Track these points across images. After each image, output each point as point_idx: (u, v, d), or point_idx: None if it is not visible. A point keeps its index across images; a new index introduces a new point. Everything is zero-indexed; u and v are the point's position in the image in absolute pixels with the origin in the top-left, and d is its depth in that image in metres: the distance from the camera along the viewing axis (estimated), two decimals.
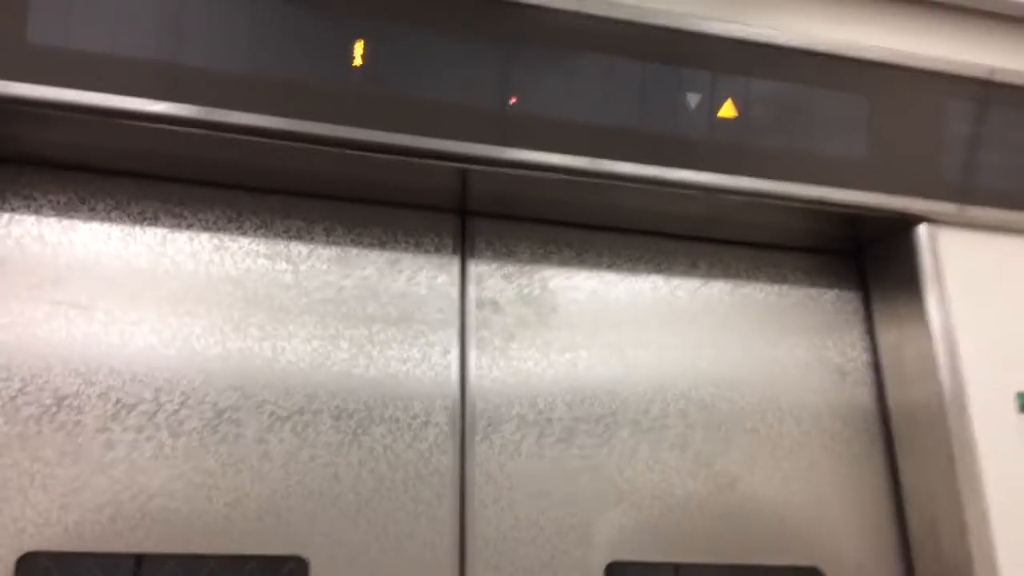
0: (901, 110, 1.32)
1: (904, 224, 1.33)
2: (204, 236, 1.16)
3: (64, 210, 1.11)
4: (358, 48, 1.11)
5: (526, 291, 1.27)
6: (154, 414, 1.06)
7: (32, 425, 1.02)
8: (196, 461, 1.06)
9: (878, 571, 1.26)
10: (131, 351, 1.08)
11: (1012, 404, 1.27)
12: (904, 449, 1.31)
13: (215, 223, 1.17)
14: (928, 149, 1.33)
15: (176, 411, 1.07)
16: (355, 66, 1.11)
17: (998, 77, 1.38)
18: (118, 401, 1.05)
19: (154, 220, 1.15)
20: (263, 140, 1.09)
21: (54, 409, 1.03)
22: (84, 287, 1.09)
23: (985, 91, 1.37)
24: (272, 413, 1.10)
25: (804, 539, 1.25)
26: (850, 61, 1.30)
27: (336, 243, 1.21)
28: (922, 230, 1.31)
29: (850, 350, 1.39)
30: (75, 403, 1.04)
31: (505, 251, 1.28)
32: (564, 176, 1.18)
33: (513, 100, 1.16)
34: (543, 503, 1.17)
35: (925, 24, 1.38)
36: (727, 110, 1.24)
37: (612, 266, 1.32)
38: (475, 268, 1.26)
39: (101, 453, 1.03)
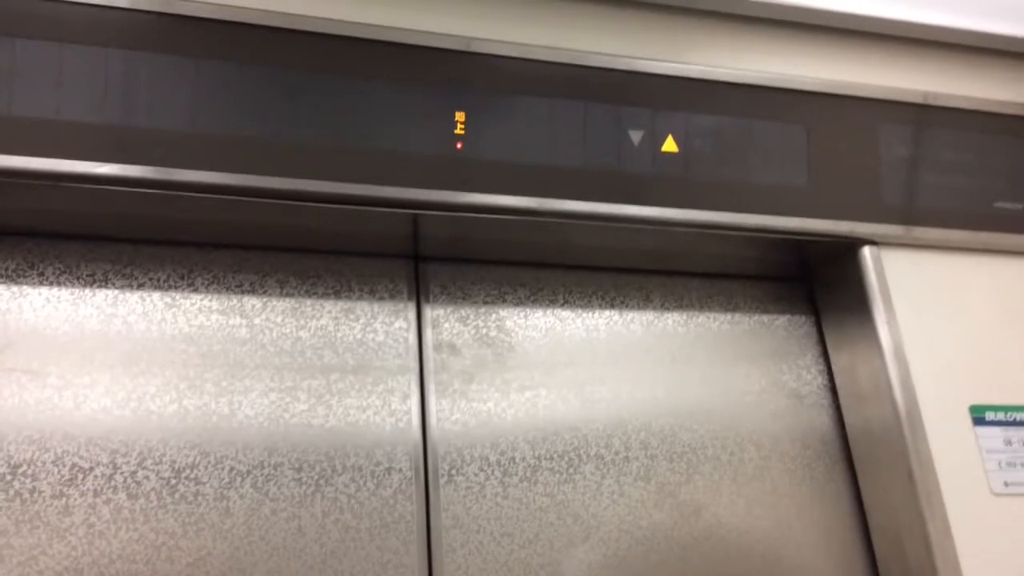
0: (839, 137, 1.35)
1: (849, 247, 1.35)
2: (156, 295, 1.15)
3: (13, 276, 1.11)
4: (302, 99, 1.12)
5: (483, 332, 1.27)
6: (111, 476, 1.05)
7: None
8: (156, 522, 1.05)
9: None
10: (85, 414, 1.07)
11: (966, 417, 1.29)
12: (864, 468, 1.33)
13: (166, 281, 1.17)
14: (868, 173, 1.36)
15: (133, 472, 1.06)
16: (302, 119, 1.12)
17: (932, 101, 1.42)
18: (74, 466, 1.04)
19: (104, 282, 1.14)
20: (211, 196, 1.09)
21: (8, 477, 1.02)
22: (35, 352, 1.08)
23: (920, 115, 1.41)
24: (232, 469, 1.09)
25: (771, 563, 1.26)
26: (786, 92, 1.34)
27: (290, 295, 1.21)
28: (867, 252, 1.34)
29: (805, 374, 1.41)
30: (30, 470, 1.03)
31: (460, 294, 1.29)
32: (514, 217, 1.19)
33: (460, 145, 1.17)
34: (510, 544, 1.17)
35: (858, 53, 1.42)
36: (669, 145, 1.26)
37: (567, 303, 1.34)
38: (431, 312, 1.27)
39: (58, 519, 1.02)
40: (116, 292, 1.14)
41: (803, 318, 1.45)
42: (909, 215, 1.36)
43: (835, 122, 1.35)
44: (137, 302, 1.14)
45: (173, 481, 1.07)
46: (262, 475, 1.10)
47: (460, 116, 1.18)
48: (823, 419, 1.38)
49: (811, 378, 1.41)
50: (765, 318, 1.43)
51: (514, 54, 1.22)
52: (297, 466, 1.12)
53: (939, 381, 1.30)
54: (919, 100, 1.41)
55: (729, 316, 1.41)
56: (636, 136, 1.25)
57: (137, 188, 1.06)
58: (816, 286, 1.46)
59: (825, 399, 1.40)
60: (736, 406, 1.35)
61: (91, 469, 1.05)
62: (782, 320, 1.44)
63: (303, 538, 1.09)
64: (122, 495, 1.05)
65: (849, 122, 1.36)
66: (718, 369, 1.37)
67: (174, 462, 1.08)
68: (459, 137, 1.18)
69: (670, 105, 1.27)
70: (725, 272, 1.43)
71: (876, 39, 1.44)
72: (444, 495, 1.17)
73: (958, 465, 1.25)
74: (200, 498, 1.07)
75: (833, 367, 1.41)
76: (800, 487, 1.32)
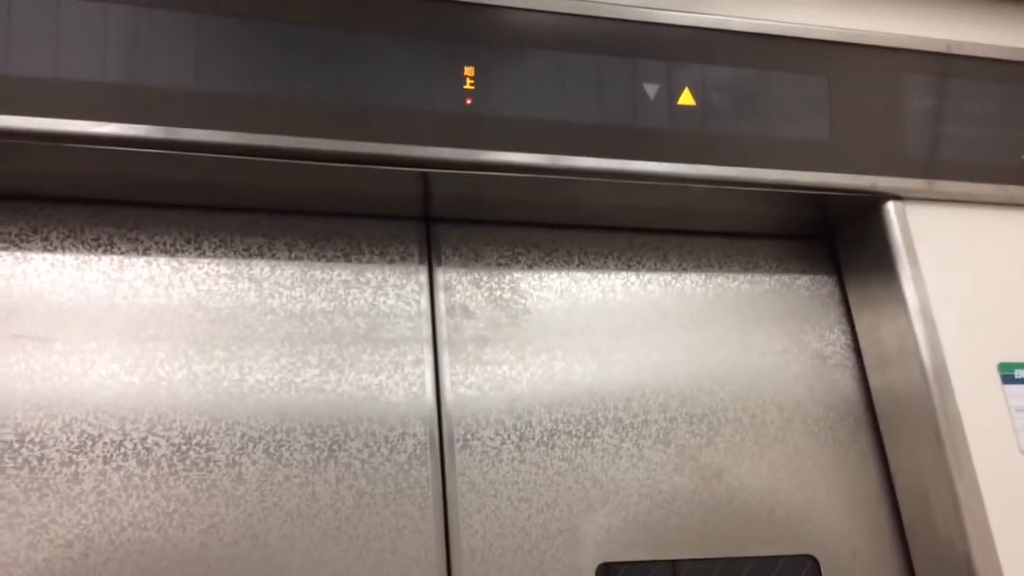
0: (861, 88, 1.31)
1: (872, 203, 1.32)
2: (162, 259, 1.13)
3: (16, 241, 1.09)
4: (311, 56, 1.09)
5: (496, 294, 1.25)
6: (120, 443, 1.03)
7: None
8: (167, 489, 1.03)
9: (874, 553, 1.24)
10: (93, 380, 1.05)
11: (994, 375, 1.26)
12: (890, 429, 1.30)
13: (173, 245, 1.14)
14: (891, 126, 1.32)
15: (143, 439, 1.04)
16: (308, 76, 1.09)
17: (956, 50, 1.37)
18: (82, 433, 1.02)
19: (110, 246, 1.12)
20: (218, 156, 1.06)
21: (16, 445, 1.00)
22: (41, 318, 1.06)
23: (944, 65, 1.36)
24: (243, 435, 1.07)
25: (796, 527, 1.23)
26: (805, 42, 1.30)
27: (299, 258, 1.19)
28: (891, 207, 1.30)
29: (828, 333, 1.37)
30: (38, 438, 1.01)
31: (472, 256, 1.26)
32: (526, 175, 1.16)
33: (469, 101, 1.14)
34: (528, 508, 1.14)
35: (880, 1, 1.38)
36: (685, 99, 1.23)
37: (582, 264, 1.30)
38: (443, 274, 1.24)
39: (68, 487, 1.00)
40: (122, 256, 1.12)
41: (825, 277, 1.41)
42: (933, 169, 1.32)
43: (857, 73, 1.31)
44: (144, 266, 1.12)
45: (184, 447, 1.05)
46: (274, 441, 1.08)
47: (469, 71, 1.15)
48: (847, 380, 1.35)
49: (834, 338, 1.37)
50: (786, 277, 1.40)
51: (525, 5, 1.18)
52: (309, 431, 1.10)
53: (966, 339, 1.27)
54: (943, 49, 1.36)
55: (749, 276, 1.38)
56: (651, 89, 1.21)
57: (140, 148, 1.03)
58: (839, 244, 1.42)
59: (849, 359, 1.36)
60: (757, 367, 1.31)
61: (100, 436, 1.03)
62: (804, 279, 1.40)
63: (317, 504, 1.07)
64: (132, 462, 1.03)
65: (871, 73, 1.32)
66: (738, 330, 1.33)
67: (184, 428, 1.06)
68: (468, 92, 1.14)
69: (686, 57, 1.23)
70: (744, 231, 1.40)
71: None
72: (460, 460, 1.14)
73: (986, 424, 1.22)
74: (212, 464, 1.05)
75: (857, 327, 1.37)
76: (824, 449, 1.29)
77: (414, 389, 1.16)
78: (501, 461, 1.16)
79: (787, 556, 1.21)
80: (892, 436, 1.29)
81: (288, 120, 1.07)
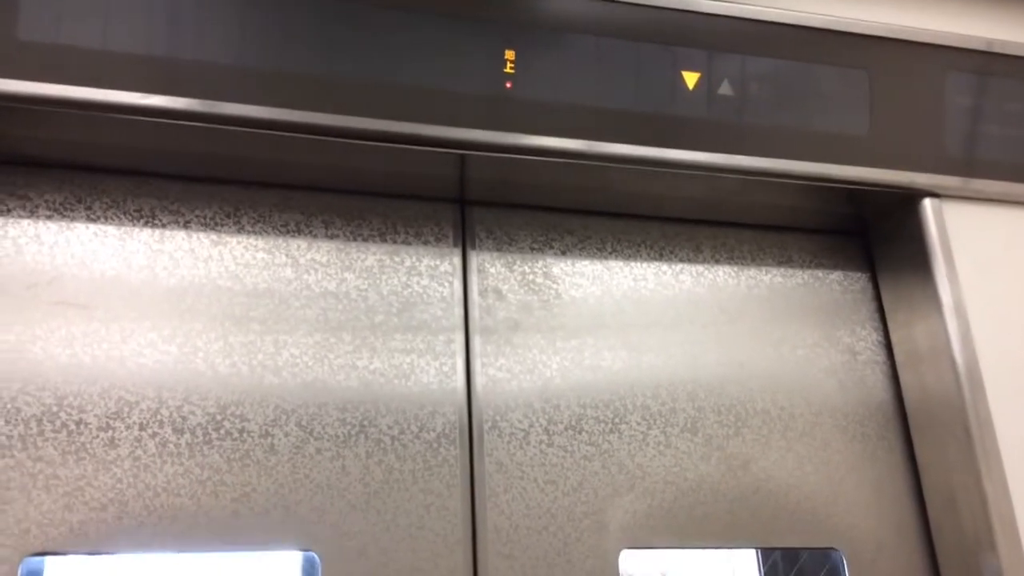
0: (901, 84, 1.30)
1: (909, 199, 1.31)
2: (202, 232, 1.15)
3: (60, 209, 1.11)
4: (353, 35, 1.10)
5: (529, 278, 1.25)
6: (157, 411, 1.05)
7: (33, 425, 1.01)
8: (201, 457, 1.04)
9: (899, 549, 1.24)
10: (132, 348, 1.07)
11: None
12: (919, 426, 1.29)
13: (212, 219, 1.16)
14: (930, 123, 1.31)
15: (179, 407, 1.06)
16: (350, 54, 1.10)
17: (997, 48, 1.36)
18: (120, 399, 1.04)
19: (151, 217, 1.14)
20: (259, 132, 1.08)
21: (55, 408, 1.02)
22: (82, 286, 1.08)
23: (984, 63, 1.36)
24: (276, 406, 1.09)
25: (821, 520, 1.23)
26: (847, 36, 1.29)
27: (335, 236, 1.20)
28: (927, 204, 1.30)
29: (860, 329, 1.37)
30: (76, 402, 1.03)
31: (506, 239, 1.27)
32: (562, 160, 1.17)
33: (509, 85, 1.15)
34: (554, 491, 1.15)
35: None
36: (724, 89, 1.22)
37: (615, 252, 1.31)
38: (476, 257, 1.25)
39: (104, 451, 1.02)
40: (163, 228, 1.13)
41: (859, 273, 1.41)
42: (972, 167, 1.32)
43: (898, 68, 1.31)
44: (184, 239, 1.14)
45: (219, 417, 1.06)
46: (307, 414, 1.09)
47: (510, 54, 1.15)
48: (877, 376, 1.34)
49: (866, 334, 1.37)
50: (819, 272, 1.39)
51: None
52: (341, 407, 1.11)
53: (1000, 339, 1.26)
54: (983, 47, 1.36)
55: (782, 269, 1.38)
56: (691, 78, 1.21)
57: (183, 121, 1.05)
58: (873, 240, 1.41)
59: (880, 356, 1.36)
60: (787, 360, 1.31)
61: (137, 403, 1.04)
62: (837, 275, 1.40)
63: (347, 477, 1.08)
64: (167, 429, 1.04)
65: (912, 68, 1.31)
66: (769, 323, 1.33)
67: (219, 398, 1.07)
68: (508, 76, 1.15)
69: (727, 47, 1.23)
70: (779, 224, 1.40)
71: None
72: (488, 441, 1.15)
73: (1017, 424, 1.21)
74: (245, 435, 1.07)
75: (889, 324, 1.37)
76: (852, 444, 1.29)
77: (445, 369, 1.17)
78: (529, 444, 1.16)
79: (811, 548, 1.21)
80: (921, 433, 1.29)
81: (329, 98, 1.09)
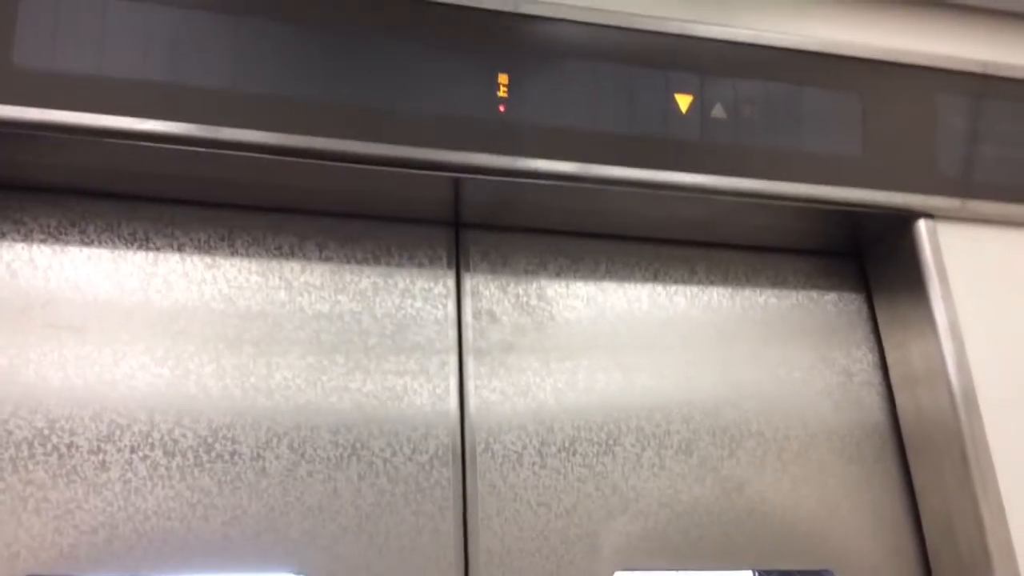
0: (895, 106, 1.31)
1: (904, 221, 1.31)
2: (195, 255, 1.15)
3: (54, 233, 1.11)
4: (347, 60, 1.11)
5: (523, 300, 1.25)
6: (148, 434, 1.05)
7: (24, 448, 1.01)
8: (192, 480, 1.04)
9: (895, 572, 1.23)
10: (124, 371, 1.07)
11: (1022, 398, 1.24)
12: (915, 449, 1.29)
13: (206, 242, 1.16)
14: (924, 145, 1.32)
15: (171, 430, 1.06)
16: (345, 79, 1.11)
17: (991, 71, 1.37)
18: (111, 422, 1.04)
19: (145, 241, 1.14)
20: (254, 156, 1.08)
21: (47, 432, 1.02)
22: (75, 310, 1.08)
23: (979, 85, 1.36)
24: (268, 429, 1.09)
25: (816, 542, 1.22)
26: (839, 59, 1.30)
27: (329, 259, 1.20)
28: (922, 226, 1.30)
29: (855, 351, 1.37)
30: (68, 425, 1.03)
31: (500, 262, 1.27)
32: (556, 182, 1.17)
33: (502, 108, 1.15)
34: (547, 513, 1.15)
35: (915, 20, 1.38)
36: (717, 112, 1.23)
37: (609, 273, 1.31)
38: (470, 279, 1.25)
39: (95, 474, 1.02)
40: (156, 252, 1.14)
41: (853, 295, 1.41)
42: (966, 188, 1.32)
43: (890, 91, 1.31)
44: (177, 262, 1.14)
45: (210, 440, 1.07)
46: (298, 436, 1.09)
47: (503, 78, 1.16)
48: (873, 398, 1.34)
49: (861, 356, 1.36)
50: (814, 294, 1.39)
51: (560, 16, 1.20)
52: (333, 429, 1.11)
53: (996, 361, 1.26)
54: (978, 70, 1.36)
55: (776, 291, 1.38)
56: (683, 101, 1.22)
57: (179, 145, 1.05)
58: (868, 262, 1.42)
59: (875, 378, 1.35)
60: (782, 382, 1.31)
61: (128, 426, 1.05)
62: (831, 296, 1.40)
63: (338, 500, 1.08)
64: (159, 452, 1.04)
65: (905, 91, 1.32)
66: (764, 345, 1.33)
67: (211, 421, 1.07)
68: (502, 100, 1.16)
69: (719, 70, 1.24)
70: (773, 246, 1.40)
71: (933, 5, 1.40)
72: (481, 463, 1.15)
73: (1014, 447, 1.21)
74: (236, 457, 1.07)
75: (885, 346, 1.37)
76: (848, 467, 1.28)
77: (438, 392, 1.17)
78: (522, 466, 1.16)
79: (806, 571, 1.20)
80: (917, 456, 1.28)
81: (324, 122, 1.09)
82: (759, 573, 1.28)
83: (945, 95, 1.34)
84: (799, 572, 1.20)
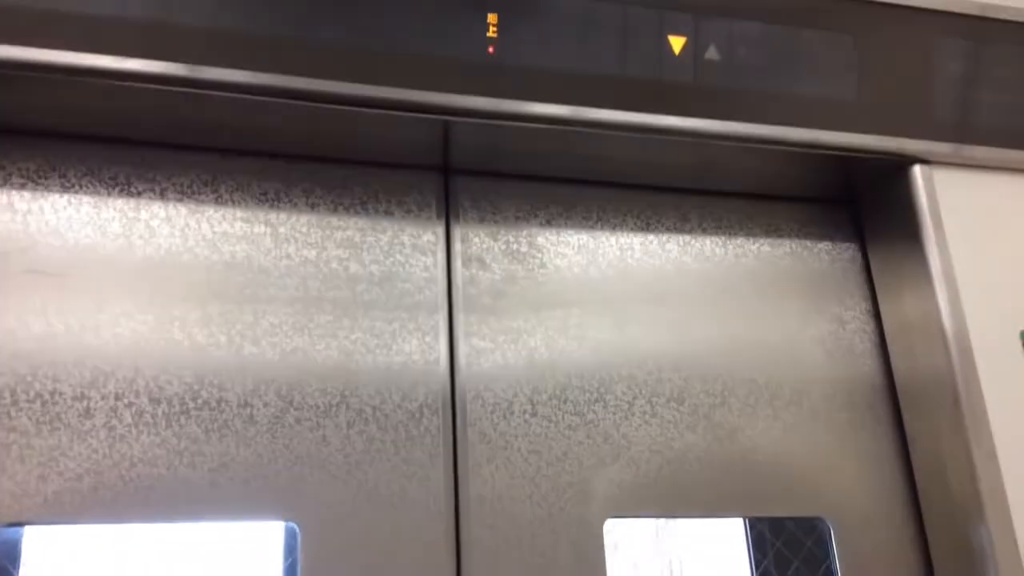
0: (890, 50, 1.29)
1: (899, 166, 1.29)
2: (178, 200, 1.13)
3: (34, 177, 1.08)
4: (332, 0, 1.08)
5: (513, 247, 1.24)
6: (133, 380, 1.03)
7: (7, 395, 0.99)
8: (178, 427, 1.03)
9: (886, 519, 1.23)
10: (107, 318, 1.05)
11: (1016, 344, 1.24)
12: (908, 394, 1.28)
13: (190, 187, 1.14)
14: (920, 89, 1.29)
15: (156, 376, 1.04)
16: (331, 18, 1.08)
17: (990, 13, 1.34)
18: (95, 368, 1.02)
19: (127, 185, 1.12)
20: (239, 96, 1.05)
21: (29, 378, 1.00)
22: (56, 255, 1.06)
23: (977, 28, 1.34)
24: (256, 376, 1.07)
25: (808, 489, 1.22)
26: (835, 0, 1.27)
27: (316, 205, 1.18)
28: (917, 171, 1.28)
29: (848, 299, 1.35)
30: (50, 372, 1.01)
31: (490, 208, 1.25)
32: (547, 126, 1.15)
33: (491, 49, 1.13)
34: (538, 461, 1.14)
35: None
36: (711, 54, 1.20)
37: (600, 221, 1.29)
38: (460, 226, 1.23)
39: (79, 421, 1.00)
40: (139, 196, 1.11)
41: (847, 242, 1.39)
42: (962, 133, 1.30)
43: (887, 33, 1.29)
44: (160, 207, 1.12)
45: (196, 387, 1.05)
46: (286, 384, 1.08)
47: (492, 18, 1.13)
48: (866, 346, 1.33)
49: (854, 304, 1.35)
50: (808, 242, 1.38)
51: None
52: (322, 376, 1.10)
53: (990, 307, 1.25)
54: (976, 12, 1.34)
55: (770, 239, 1.36)
56: (677, 43, 1.19)
57: (161, 85, 1.03)
58: (862, 208, 1.40)
59: (869, 326, 1.34)
60: (775, 331, 1.30)
61: (112, 372, 1.03)
62: (825, 244, 1.38)
63: (327, 448, 1.07)
64: (144, 399, 1.03)
65: (901, 33, 1.29)
66: (757, 293, 1.32)
67: (197, 368, 1.06)
68: (491, 40, 1.13)
69: (714, 10, 1.21)
70: (766, 193, 1.38)
71: None
72: (471, 411, 1.14)
73: (1006, 392, 1.20)
74: (224, 404, 1.05)
75: (878, 292, 1.36)
76: (839, 414, 1.28)
77: (428, 340, 1.16)
78: (513, 413, 1.15)
79: (798, 517, 1.20)
80: (910, 403, 1.28)
81: (309, 62, 1.06)
82: (750, 520, 1.27)
83: (942, 38, 1.31)
84: (790, 519, 1.20)
